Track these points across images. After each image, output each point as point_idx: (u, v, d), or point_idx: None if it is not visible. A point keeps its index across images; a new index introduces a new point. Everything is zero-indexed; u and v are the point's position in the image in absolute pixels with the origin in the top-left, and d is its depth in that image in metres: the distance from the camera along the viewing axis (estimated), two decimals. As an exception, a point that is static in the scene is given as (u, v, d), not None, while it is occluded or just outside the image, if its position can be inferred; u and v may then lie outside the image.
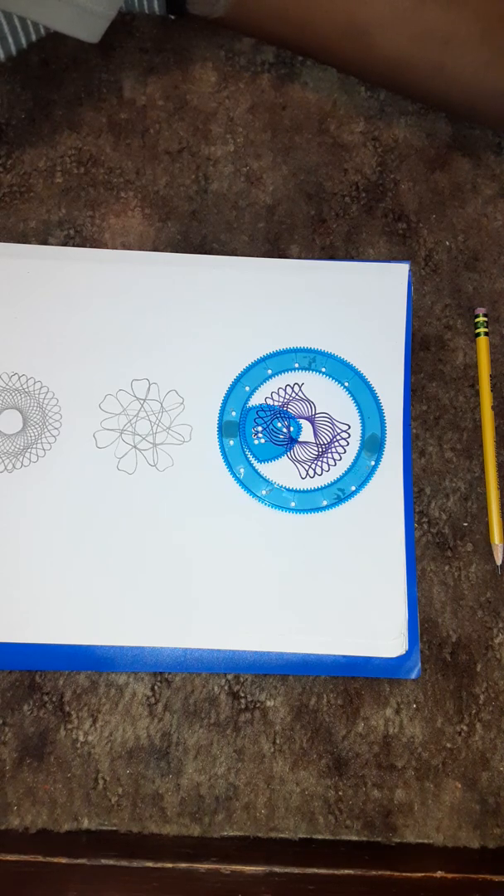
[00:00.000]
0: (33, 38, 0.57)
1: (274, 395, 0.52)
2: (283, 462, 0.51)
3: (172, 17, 0.58)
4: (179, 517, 0.49)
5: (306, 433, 0.51)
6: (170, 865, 0.44)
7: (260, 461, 0.51)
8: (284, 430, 0.51)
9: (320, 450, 0.51)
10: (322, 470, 0.51)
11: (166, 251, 0.55)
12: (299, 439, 0.51)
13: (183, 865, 0.44)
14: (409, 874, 0.45)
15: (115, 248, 0.54)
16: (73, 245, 0.55)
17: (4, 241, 0.54)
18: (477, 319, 0.54)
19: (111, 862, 0.44)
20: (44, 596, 0.48)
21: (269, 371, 0.52)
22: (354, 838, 0.45)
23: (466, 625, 0.49)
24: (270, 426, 0.51)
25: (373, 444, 0.51)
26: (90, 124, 0.57)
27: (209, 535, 0.49)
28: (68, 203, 0.55)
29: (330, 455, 0.51)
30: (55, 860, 0.44)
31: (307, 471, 0.51)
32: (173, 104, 0.58)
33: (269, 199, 0.56)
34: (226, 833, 0.45)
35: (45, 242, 0.54)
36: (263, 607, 0.48)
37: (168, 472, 0.50)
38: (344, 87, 0.58)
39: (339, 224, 0.56)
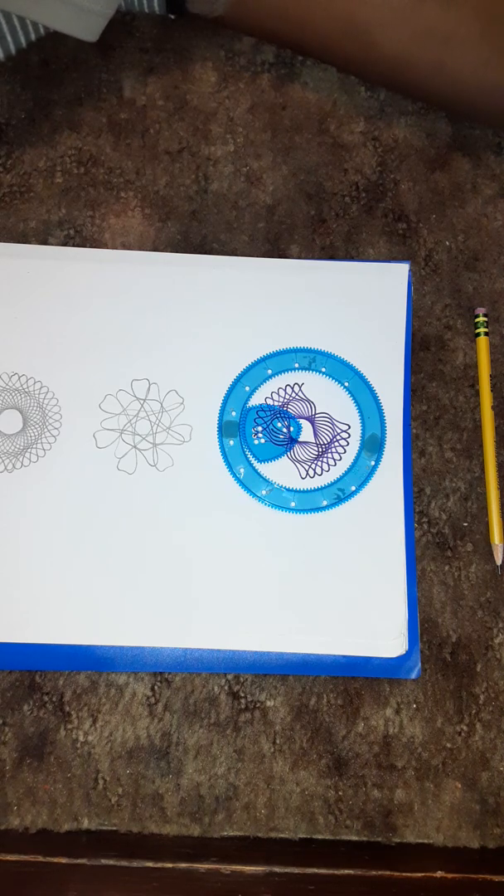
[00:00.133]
0: (33, 37, 0.57)
1: (274, 395, 0.52)
2: (283, 462, 0.51)
3: (172, 16, 0.58)
4: (179, 517, 0.49)
5: (306, 433, 0.51)
6: (170, 865, 0.44)
7: (260, 461, 0.51)
8: (284, 430, 0.51)
9: (320, 450, 0.51)
10: (322, 470, 0.51)
11: (166, 251, 0.55)
12: (299, 439, 0.51)
13: (183, 865, 0.44)
14: (409, 874, 0.45)
15: (115, 248, 0.54)
16: (73, 245, 0.55)
17: (4, 241, 0.54)
18: (477, 319, 0.54)
19: (111, 862, 0.44)
20: (44, 596, 0.48)
21: (269, 371, 0.52)
22: (354, 838, 0.45)
23: (466, 625, 0.49)
24: (270, 426, 0.51)
25: (373, 444, 0.51)
26: (90, 124, 0.57)
27: (209, 535, 0.49)
28: (68, 203, 0.55)
29: (330, 455, 0.51)
30: (55, 860, 0.44)
31: (307, 471, 0.51)
32: (173, 104, 0.58)
33: (269, 199, 0.56)
34: (226, 833, 0.45)
35: (45, 242, 0.54)
36: (263, 607, 0.48)
37: (168, 472, 0.50)
38: (344, 87, 0.58)
39: (339, 224, 0.56)
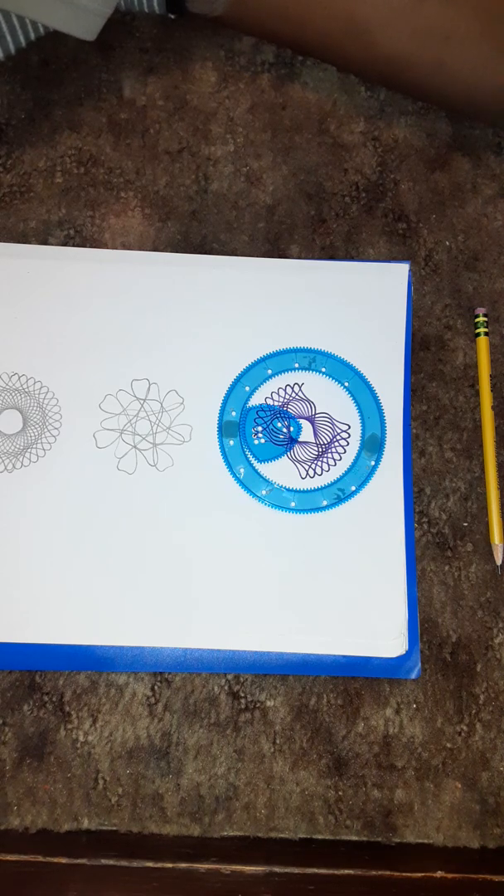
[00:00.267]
0: (32, 37, 0.57)
1: (274, 395, 0.52)
2: (283, 462, 0.51)
3: (172, 16, 0.58)
4: (179, 517, 0.49)
5: (306, 433, 0.51)
6: (170, 865, 0.44)
7: (260, 461, 0.51)
8: (284, 430, 0.51)
9: (320, 450, 0.51)
10: (322, 470, 0.51)
11: (166, 251, 0.55)
12: (299, 439, 0.51)
13: (183, 865, 0.44)
14: (409, 874, 0.45)
15: (115, 248, 0.54)
16: (73, 245, 0.55)
17: (4, 241, 0.54)
18: (477, 319, 0.54)
19: (111, 862, 0.44)
20: (44, 596, 0.48)
21: (269, 371, 0.52)
22: (354, 838, 0.45)
23: (466, 625, 0.49)
24: (270, 426, 0.51)
25: (373, 444, 0.51)
26: (90, 124, 0.57)
27: (209, 535, 0.49)
28: (68, 203, 0.55)
29: (330, 455, 0.51)
30: (55, 860, 0.44)
31: (307, 471, 0.51)
32: (173, 104, 0.58)
33: (269, 199, 0.56)
34: (226, 833, 0.45)
35: (45, 242, 0.54)
36: (263, 607, 0.48)
37: (168, 472, 0.50)
38: (344, 87, 0.58)
39: (339, 224, 0.56)
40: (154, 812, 0.45)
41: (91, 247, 0.55)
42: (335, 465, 0.51)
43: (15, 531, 0.49)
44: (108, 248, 0.55)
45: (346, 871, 0.45)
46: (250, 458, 0.51)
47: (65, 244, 0.54)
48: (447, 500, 0.51)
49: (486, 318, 0.53)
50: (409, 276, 0.54)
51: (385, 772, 0.46)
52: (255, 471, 0.50)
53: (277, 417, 0.52)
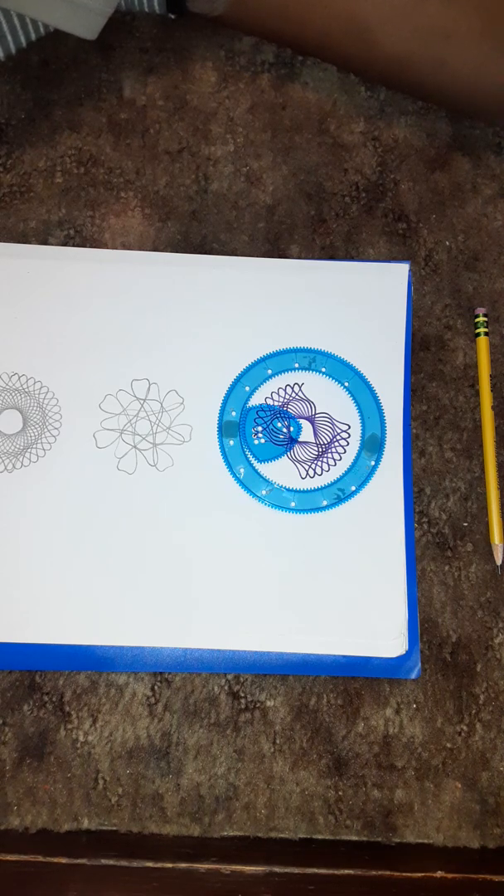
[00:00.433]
0: (33, 37, 0.57)
1: (274, 395, 0.52)
2: (283, 462, 0.51)
3: (172, 16, 0.58)
4: (179, 517, 0.49)
5: (306, 433, 0.51)
6: (170, 865, 0.44)
7: (260, 461, 0.51)
8: (284, 430, 0.51)
9: (320, 450, 0.51)
10: (322, 470, 0.51)
11: (166, 251, 0.55)
12: (299, 439, 0.51)
13: (183, 865, 0.44)
14: (409, 874, 0.45)
15: (115, 248, 0.54)
16: (73, 245, 0.55)
17: (4, 241, 0.54)
18: (477, 319, 0.54)
19: (111, 862, 0.44)
20: (44, 596, 0.48)
21: (269, 371, 0.52)
22: (354, 838, 0.45)
23: (466, 625, 0.49)
24: (270, 426, 0.51)
25: (373, 444, 0.51)
26: (90, 124, 0.57)
27: (209, 535, 0.49)
28: (68, 203, 0.55)
29: (330, 455, 0.51)
30: (55, 860, 0.44)
31: (307, 471, 0.51)
32: (173, 104, 0.58)
33: (269, 199, 0.56)
34: (226, 833, 0.45)
35: (45, 242, 0.54)
36: (263, 607, 0.48)
37: (168, 472, 0.50)
38: (344, 86, 0.58)
39: (339, 224, 0.56)
40: (154, 812, 0.45)
41: (91, 247, 0.55)
42: (335, 465, 0.51)
43: (15, 531, 0.49)
44: (108, 248, 0.55)
45: (346, 871, 0.45)
46: (250, 458, 0.51)
47: (65, 244, 0.54)
48: (447, 500, 0.51)
49: (486, 318, 0.53)
50: (409, 276, 0.54)
51: (385, 772, 0.46)
52: (255, 471, 0.50)
53: (277, 417, 0.52)
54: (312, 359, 0.52)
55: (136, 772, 0.46)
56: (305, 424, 0.51)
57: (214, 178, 0.56)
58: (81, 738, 0.46)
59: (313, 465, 0.51)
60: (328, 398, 0.52)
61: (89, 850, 0.45)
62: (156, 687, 0.47)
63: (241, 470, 0.50)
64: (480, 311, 0.54)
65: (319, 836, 0.45)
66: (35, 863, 0.44)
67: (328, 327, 0.53)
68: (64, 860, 0.44)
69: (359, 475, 0.50)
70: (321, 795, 0.46)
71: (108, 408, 0.51)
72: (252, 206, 0.56)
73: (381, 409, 0.51)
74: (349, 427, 0.51)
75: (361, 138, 0.58)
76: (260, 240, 0.55)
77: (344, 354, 0.52)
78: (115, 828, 0.45)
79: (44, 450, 0.50)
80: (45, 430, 0.51)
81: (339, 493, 0.50)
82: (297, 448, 0.51)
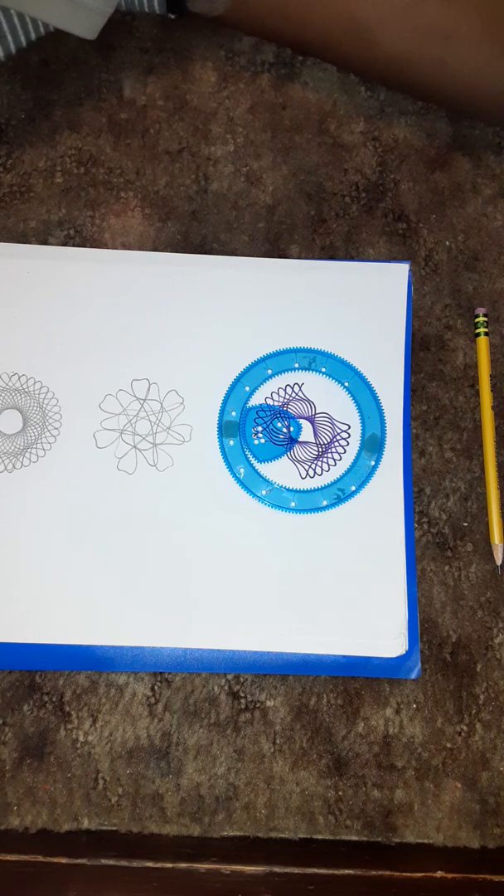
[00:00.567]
0: (33, 37, 0.57)
1: (274, 395, 0.52)
2: (283, 462, 0.51)
3: (172, 16, 0.58)
4: (179, 517, 0.49)
5: (306, 433, 0.51)
6: (170, 865, 0.44)
7: (260, 461, 0.51)
8: (284, 430, 0.51)
9: (320, 450, 0.51)
10: (322, 470, 0.51)
11: (166, 251, 0.55)
12: (299, 439, 0.51)
13: (183, 865, 0.44)
14: (409, 874, 0.45)
15: (115, 248, 0.54)
16: (73, 245, 0.55)
17: (4, 241, 0.54)
18: (477, 319, 0.54)
19: (111, 862, 0.44)
20: (44, 596, 0.48)
21: (269, 371, 0.52)
22: (354, 838, 0.45)
23: (466, 625, 0.49)
24: (270, 426, 0.51)
25: (373, 444, 0.51)
26: (90, 124, 0.57)
27: (209, 535, 0.49)
28: (68, 203, 0.55)
29: (330, 455, 0.51)
30: (55, 860, 0.44)
31: (307, 471, 0.51)
32: (173, 104, 0.58)
33: (269, 199, 0.56)
34: (226, 833, 0.45)
35: (45, 242, 0.54)
36: (263, 607, 0.48)
37: (168, 472, 0.50)
38: (344, 86, 0.58)
39: (339, 224, 0.56)
40: (154, 812, 0.45)
41: (91, 247, 0.55)
42: (335, 465, 0.51)
43: (15, 531, 0.49)
44: (108, 248, 0.55)
45: (346, 871, 0.45)
46: (250, 458, 0.51)
47: (65, 244, 0.54)
48: (447, 500, 0.51)
49: (486, 318, 0.53)
50: (409, 276, 0.54)
51: (385, 772, 0.46)
52: (255, 471, 0.50)
53: (277, 417, 0.52)
54: (312, 359, 0.52)
55: (136, 772, 0.46)
56: (305, 424, 0.51)
57: (214, 178, 0.56)
58: (81, 738, 0.46)
59: (313, 465, 0.51)
60: (328, 398, 0.52)
61: (89, 850, 0.45)
62: (156, 687, 0.47)
63: (241, 470, 0.50)
64: (480, 311, 0.54)
65: (319, 836, 0.45)
66: (35, 863, 0.44)
67: (328, 327, 0.53)
68: (64, 860, 0.44)
69: (359, 475, 0.50)
70: (321, 795, 0.46)
71: (108, 408, 0.51)
72: (252, 206, 0.56)
73: (381, 409, 0.51)
74: (349, 427, 0.51)
75: (361, 138, 0.58)
76: (260, 240, 0.55)
77: (344, 354, 0.52)
78: (115, 828, 0.45)
79: (44, 450, 0.50)
80: (45, 430, 0.51)
81: (339, 493, 0.50)
82: (297, 448, 0.51)
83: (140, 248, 0.55)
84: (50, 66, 0.58)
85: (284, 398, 0.52)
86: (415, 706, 0.47)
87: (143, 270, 0.53)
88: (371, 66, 0.55)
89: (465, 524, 0.50)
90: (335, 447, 0.51)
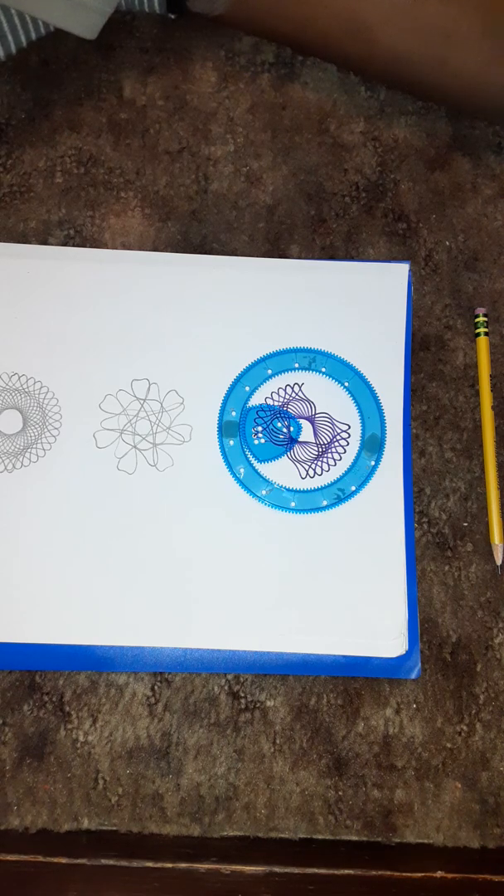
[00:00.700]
0: (33, 36, 0.57)
1: (274, 395, 0.52)
2: (283, 462, 0.51)
3: (172, 16, 0.58)
4: (179, 517, 0.49)
5: (306, 433, 0.51)
6: (170, 865, 0.44)
7: (260, 461, 0.51)
8: (284, 430, 0.51)
9: (320, 450, 0.51)
10: (322, 470, 0.51)
11: (166, 251, 0.55)
12: (299, 439, 0.51)
13: (183, 865, 0.44)
14: (409, 874, 0.45)
15: (115, 248, 0.54)
16: (73, 245, 0.55)
17: (4, 241, 0.54)
18: (477, 319, 0.54)
19: (111, 862, 0.44)
20: (44, 596, 0.48)
21: (269, 371, 0.52)
22: (354, 838, 0.45)
23: (466, 625, 0.49)
24: (270, 426, 0.51)
25: (373, 444, 0.51)
26: (90, 124, 0.57)
27: (209, 534, 0.49)
28: (68, 203, 0.55)
29: (330, 455, 0.51)
30: (55, 860, 0.44)
31: (307, 471, 0.51)
32: (173, 104, 0.58)
33: (269, 199, 0.56)
34: (226, 833, 0.45)
35: (45, 242, 0.54)
36: (263, 607, 0.48)
37: (168, 472, 0.50)
38: (344, 87, 0.58)
39: (339, 224, 0.56)
40: (154, 812, 0.45)
41: (91, 247, 0.55)
42: (335, 465, 0.51)
43: (15, 531, 0.49)
44: (108, 248, 0.55)
45: (346, 871, 0.45)
46: (250, 458, 0.51)
47: (65, 244, 0.54)
48: (447, 500, 0.51)
49: (486, 318, 0.53)
50: (409, 276, 0.54)
51: (385, 772, 0.46)
52: (255, 471, 0.50)
53: (277, 417, 0.52)
54: (312, 359, 0.52)
55: (136, 772, 0.46)
56: (305, 424, 0.51)
57: (214, 178, 0.56)
58: (81, 738, 0.46)
59: (313, 465, 0.51)
60: (328, 398, 0.52)
61: (89, 850, 0.45)
62: (156, 687, 0.47)
63: (241, 470, 0.50)
64: (480, 311, 0.54)
65: (319, 836, 0.45)
66: (35, 863, 0.44)
67: (328, 327, 0.53)
68: (64, 860, 0.44)
69: (359, 475, 0.50)
70: (321, 795, 0.46)
71: (108, 408, 0.51)
72: (252, 206, 0.56)
73: (381, 409, 0.51)
74: (349, 427, 0.51)
75: (361, 138, 0.58)
76: (260, 240, 0.55)
77: (344, 354, 0.52)
78: (115, 828, 0.45)
79: (44, 450, 0.50)
80: (45, 430, 0.51)
81: (339, 493, 0.50)
82: (297, 448, 0.51)
83: (140, 248, 0.55)
84: (50, 66, 0.58)
85: (284, 398, 0.52)
86: (415, 706, 0.47)
87: (143, 270, 0.53)
88: (371, 65, 0.55)
89: (465, 524, 0.50)
90: (335, 447, 0.51)
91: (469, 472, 0.51)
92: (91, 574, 0.48)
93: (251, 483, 0.50)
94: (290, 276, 0.54)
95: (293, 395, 0.52)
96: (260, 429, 0.51)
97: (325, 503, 0.50)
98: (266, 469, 0.50)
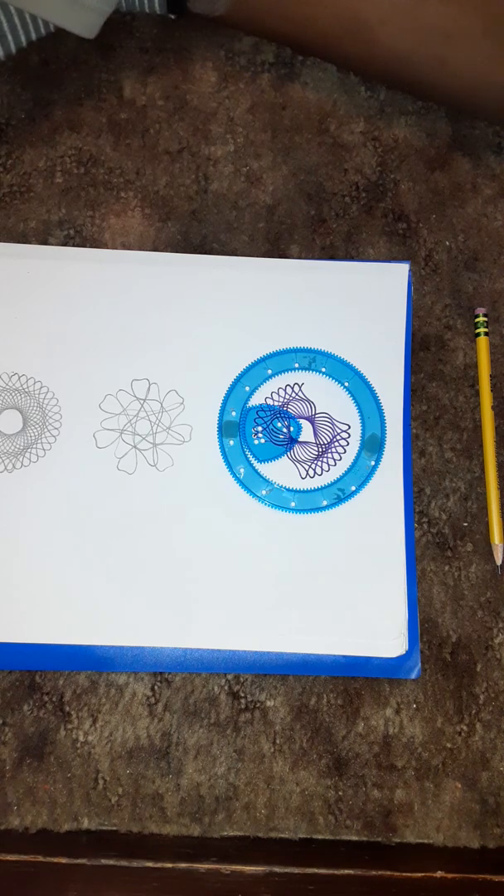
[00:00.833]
0: (33, 36, 0.57)
1: (274, 395, 0.52)
2: (283, 462, 0.51)
3: (172, 16, 0.58)
4: (179, 517, 0.49)
5: (306, 433, 0.51)
6: (170, 865, 0.44)
7: (260, 461, 0.51)
8: (284, 430, 0.51)
9: (320, 450, 0.51)
10: (322, 470, 0.51)
11: (166, 251, 0.55)
12: (299, 439, 0.51)
13: (183, 865, 0.44)
14: (409, 874, 0.45)
15: (115, 248, 0.54)
16: (73, 245, 0.55)
17: (4, 241, 0.54)
18: (477, 319, 0.54)
19: (111, 862, 0.44)
20: (44, 596, 0.48)
21: (269, 371, 0.52)
22: (354, 838, 0.45)
23: (466, 625, 0.49)
24: (270, 426, 0.51)
25: (373, 444, 0.51)
26: (90, 124, 0.57)
27: (209, 534, 0.49)
28: (68, 203, 0.55)
29: (330, 455, 0.51)
30: (55, 860, 0.44)
31: (307, 471, 0.51)
32: (173, 104, 0.58)
33: (269, 199, 0.56)
34: (226, 833, 0.45)
35: (45, 242, 0.54)
36: (263, 607, 0.48)
37: (168, 472, 0.50)
38: (344, 86, 0.58)
39: (339, 224, 0.56)
40: (154, 812, 0.45)
41: (91, 247, 0.55)
42: (335, 465, 0.51)
43: (15, 531, 0.49)
44: (108, 248, 0.55)
45: (346, 871, 0.45)
46: (250, 458, 0.51)
47: (65, 244, 0.54)
48: (447, 500, 0.51)
49: (486, 318, 0.53)
50: (409, 276, 0.54)
51: (385, 772, 0.46)
52: (255, 471, 0.50)
53: (277, 417, 0.52)
54: (312, 359, 0.52)
55: (136, 772, 0.46)
56: (305, 424, 0.51)
57: (214, 178, 0.56)
58: (81, 738, 0.46)
59: (313, 465, 0.51)
60: (328, 398, 0.52)
61: (89, 850, 0.45)
62: (156, 687, 0.47)
63: (241, 470, 0.50)
64: (480, 311, 0.54)
65: (319, 836, 0.45)
66: (35, 863, 0.44)
67: (328, 327, 0.53)
68: (64, 860, 0.44)
69: (359, 475, 0.50)
70: (321, 795, 0.46)
71: (108, 408, 0.51)
72: (252, 206, 0.56)
73: (381, 409, 0.51)
74: (349, 427, 0.51)
75: (361, 138, 0.58)
76: (260, 240, 0.55)
77: (344, 354, 0.52)
78: (115, 828, 0.45)
79: (44, 450, 0.50)
80: (45, 430, 0.51)
81: (339, 493, 0.50)
82: (297, 448, 0.51)
83: (140, 248, 0.55)
84: (50, 66, 0.58)
85: (284, 398, 0.52)
86: (415, 706, 0.47)
87: (143, 270, 0.53)
88: (372, 65, 0.55)
89: (465, 524, 0.50)
90: (335, 447, 0.51)
91: (469, 472, 0.51)
92: (91, 574, 0.48)
93: (251, 483, 0.50)
94: (290, 276, 0.54)
95: (293, 395, 0.52)
96: (260, 429, 0.51)
97: (325, 503, 0.50)
98: (266, 469, 0.50)
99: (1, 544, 0.48)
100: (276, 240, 0.55)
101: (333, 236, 0.55)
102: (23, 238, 0.54)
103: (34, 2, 0.49)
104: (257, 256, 0.55)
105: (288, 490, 0.50)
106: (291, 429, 0.51)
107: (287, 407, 0.52)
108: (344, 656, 0.47)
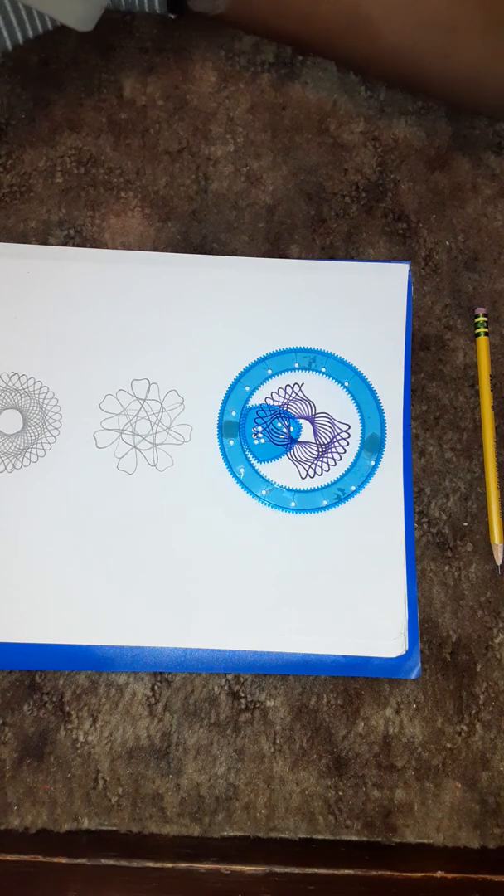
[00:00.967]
0: (30, 34, 0.57)
1: (274, 395, 0.52)
2: (283, 462, 0.51)
3: (172, 16, 0.58)
4: (179, 517, 0.49)
5: (306, 433, 0.51)
6: (170, 865, 0.44)
7: (260, 461, 0.51)
8: (284, 430, 0.51)
9: (320, 450, 0.51)
10: (322, 470, 0.51)
11: (166, 251, 0.55)
12: (299, 439, 0.51)
13: (183, 865, 0.44)
14: (409, 874, 0.45)
15: (115, 248, 0.54)
16: (73, 245, 0.55)
17: (4, 241, 0.54)
18: (477, 319, 0.54)
19: (111, 862, 0.44)
20: (44, 596, 0.48)
21: (269, 371, 0.52)
22: (354, 838, 0.45)
23: (466, 625, 0.49)
24: (270, 426, 0.51)
25: (373, 444, 0.51)
26: (90, 124, 0.57)
27: (209, 534, 0.49)
28: (68, 203, 0.55)
29: (330, 455, 0.51)
30: (55, 860, 0.44)
31: (307, 471, 0.51)
32: (173, 104, 0.58)
33: (269, 199, 0.56)
34: (226, 833, 0.45)
35: (45, 242, 0.54)
36: (263, 607, 0.48)
37: (168, 472, 0.50)
38: (344, 86, 0.58)
39: (339, 224, 0.56)
40: (154, 812, 0.45)
41: (91, 247, 0.55)
42: (335, 465, 0.51)
43: (15, 531, 0.49)
44: (108, 248, 0.55)
45: (346, 871, 0.45)
46: (250, 458, 0.51)
47: (65, 244, 0.54)
48: (447, 500, 0.51)
49: (486, 318, 0.53)
50: (409, 276, 0.54)
51: (385, 772, 0.46)
52: (255, 471, 0.50)
53: (277, 417, 0.52)
54: (312, 359, 0.52)
55: (136, 772, 0.46)
56: (305, 424, 0.51)
57: (214, 178, 0.56)
58: (81, 738, 0.46)
59: (313, 465, 0.51)
60: (328, 398, 0.52)
61: (89, 850, 0.45)
62: (156, 687, 0.47)
63: (241, 470, 0.50)
64: (480, 311, 0.54)
65: (319, 836, 0.45)
66: (35, 863, 0.44)
67: (328, 327, 0.53)
68: (64, 860, 0.44)
69: (359, 475, 0.50)
70: (321, 795, 0.46)
71: (108, 408, 0.51)
72: (252, 206, 0.56)
73: (381, 409, 0.51)
74: (349, 427, 0.51)
75: (361, 138, 0.58)
76: (260, 240, 0.55)
77: (344, 354, 0.52)
78: (115, 828, 0.45)
79: (44, 450, 0.50)
80: (45, 430, 0.51)
81: (339, 493, 0.50)
82: (297, 448, 0.51)
83: (140, 248, 0.55)
84: (50, 65, 0.58)
85: (284, 398, 0.52)
86: (415, 706, 0.47)
87: (143, 270, 0.53)
88: (373, 61, 0.55)
89: (465, 524, 0.50)
90: (335, 447, 0.51)
91: (469, 472, 0.51)
92: (91, 574, 0.48)
93: (251, 483, 0.50)
94: (290, 276, 0.54)
95: (293, 395, 0.52)
96: (260, 429, 0.51)
97: (325, 503, 0.50)
98: (266, 469, 0.50)
99: (1, 544, 0.48)
100: (276, 240, 0.55)
101: (333, 236, 0.55)
102: (23, 238, 0.54)
103: None
104: (257, 256, 0.55)
105: (288, 490, 0.50)
106: (291, 429, 0.51)
107: (287, 407, 0.52)
108: (344, 656, 0.47)
